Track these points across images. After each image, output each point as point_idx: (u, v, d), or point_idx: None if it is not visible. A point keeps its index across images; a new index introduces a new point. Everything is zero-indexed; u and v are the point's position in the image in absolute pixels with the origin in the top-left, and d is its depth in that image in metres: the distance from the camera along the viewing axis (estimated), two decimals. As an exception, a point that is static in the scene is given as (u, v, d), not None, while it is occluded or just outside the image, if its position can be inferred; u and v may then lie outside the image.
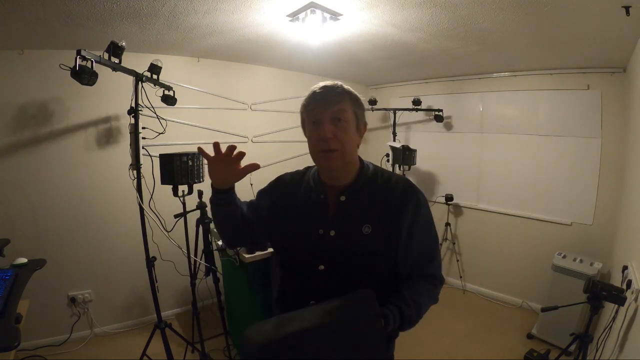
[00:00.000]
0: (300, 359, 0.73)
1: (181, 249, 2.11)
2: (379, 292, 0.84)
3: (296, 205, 0.99)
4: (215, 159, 0.93)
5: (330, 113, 0.88)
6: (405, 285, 0.92)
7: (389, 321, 0.81)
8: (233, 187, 1.02)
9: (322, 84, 0.92)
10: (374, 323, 0.78)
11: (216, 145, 0.91)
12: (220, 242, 2.25)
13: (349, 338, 0.76)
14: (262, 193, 1.11)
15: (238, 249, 2.03)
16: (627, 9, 1.49)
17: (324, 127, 0.88)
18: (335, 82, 0.92)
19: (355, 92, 0.94)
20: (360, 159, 0.99)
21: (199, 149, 0.96)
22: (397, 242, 0.91)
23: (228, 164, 0.93)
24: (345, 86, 0.92)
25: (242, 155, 0.93)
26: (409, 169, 3.30)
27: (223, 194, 1.01)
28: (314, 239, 0.93)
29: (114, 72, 1.78)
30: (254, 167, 0.95)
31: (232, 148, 0.91)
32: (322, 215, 0.94)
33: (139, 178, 1.91)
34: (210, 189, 1.01)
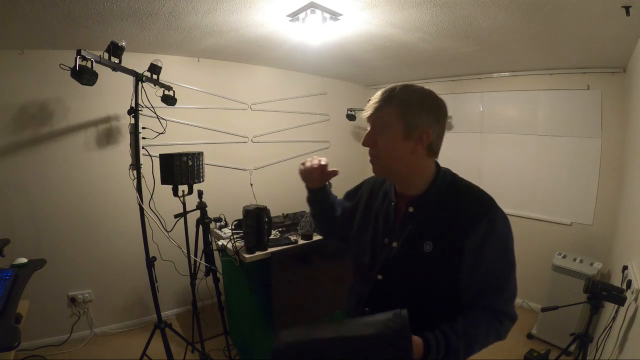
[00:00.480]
0: None
1: (181, 249, 2.11)
2: (435, 316, 0.80)
3: (372, 210, 1.00)
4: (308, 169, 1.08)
5: (372, 119, 0.86)
6: (464, 314, 0.81)
7: (430, 347, 0.75)
8: (325, 187, 1.14)
9: (384, 88, 0.87)
10: (400, 342, 0.70)
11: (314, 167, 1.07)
12: (220, 242, 2.25)
13: (372, 355, 0.71)
14: (347, 194, 1.16)
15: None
16: (627, 9, 1.49)
17: (367, 133, 0.87)
18: (395, 85, 0.86)
19: (412, 93, 0.84)
20: (438, 168, 0.90)
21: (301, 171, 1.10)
22: (459, 265, 0.81)
23: (316, 170, 1.07)
24: (401, 88, 0.85)
25: (324, 166, 1.07)
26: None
27: (315, 193, 1.14)
28: (378, 247, 0.93)
29: (114, 72, 1.78)
30: (334, 173, 1.08)
31: (323, 166, 1.06)
32: (389, 224, 0.92)
33: (139, 178, 1.91)
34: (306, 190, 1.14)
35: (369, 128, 0.88)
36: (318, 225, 1.24)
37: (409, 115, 0.82)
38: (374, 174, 0.95)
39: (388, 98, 0.84)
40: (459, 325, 0.79)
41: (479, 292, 0.82)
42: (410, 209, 0.89)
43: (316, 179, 1.09)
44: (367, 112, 0.86)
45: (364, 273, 0.97)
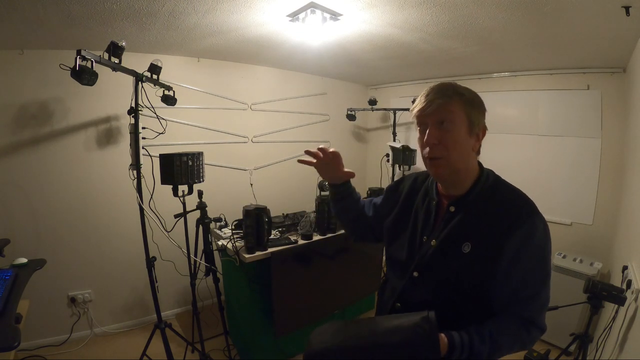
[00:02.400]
0: None
1: (181, 249, 2.11)
2: (466, 317, 0.82)
3: (412, 207, 0.99)
4: (317, 164, 1.08)
5: (435, 116, 0.82)
6: (494, 318, 0.82)
7: (454, 347, 0.76)
8: (348, 182, 1.14)
9: (434, 84, 0.86)
10: (428, 346, 0.73)
11: (307, 152, 1.08)
12: (220, 242, 2.25)
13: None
14: (388, 189, 1.15)
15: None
16: (627, 9, 1.49)
17: (429, 131, 0.83)
18: (449, 82, 0.86)
19: (472, 92, 0.85)
20: (481, 168, 0.91)
21: (300, 161, 1.09)
22: (495, 269, 0.80)
23: (328, 163, 1.09)
24: (459, 86, 0.85)
25: (334, 153, 1.08)
26: (409, 169, 3.30)
27: (337, 188, 1.14)
28: (416, 244, 0.93)
29: (114, 72, 1.78)
30: (351, 174, 1.13)
31: (323, 150, 1.07)
32: (429, 222, 0.92)
33: (139, 178, 1.91)
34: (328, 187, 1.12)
35: (425, 128, 0.84)
36: (344, 225, 1.21)
37: (471, 111, 0.83)
38: (437, 179, 0.92)
39: (451, 95, 0.82)
40: (485, 329, 0.79)
41: (512, 299, 0.81)
42: (452, 209, 0.89)
43: (335, 171, 1.11)
44: (429, 108, 0.82)
45: (400, 269, 0.97)
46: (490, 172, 0.91)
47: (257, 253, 2.01)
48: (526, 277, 0.80)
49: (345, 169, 1.13)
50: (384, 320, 0.81)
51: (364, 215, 1.16)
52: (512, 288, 0.81)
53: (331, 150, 1.07)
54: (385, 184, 3.39)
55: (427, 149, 0.84)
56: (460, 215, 0.87)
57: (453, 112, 0.81)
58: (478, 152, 0.88)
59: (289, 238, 2.23)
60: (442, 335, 0.77)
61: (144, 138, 1.97)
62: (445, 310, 0.82)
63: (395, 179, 3.50)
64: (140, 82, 1.92)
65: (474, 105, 0.84)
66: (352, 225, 1.19)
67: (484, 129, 0.86)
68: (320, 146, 1.08)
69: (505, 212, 0.83)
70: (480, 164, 0.91)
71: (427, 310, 0.78)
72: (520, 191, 0.88)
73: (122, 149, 2.48)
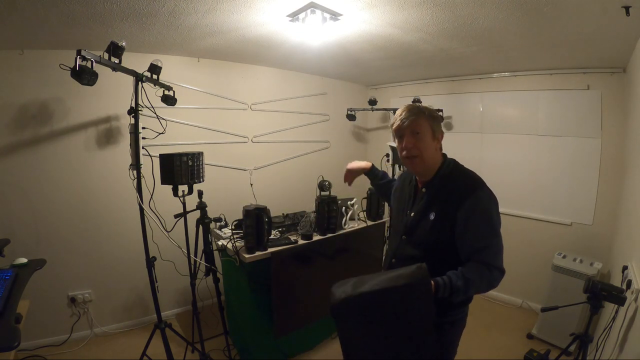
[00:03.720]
0: (368, 313, 1.01)
1: (181, 249, 2.11)
2: (443, 269, 1.07)
3: (402, 191, 1.39)
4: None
5: (409, 128, 1.18)
6: (463, 265, 1.10)
7: (439, 287, 1.02)
8: (370, 174, 1.69)
9: (405, 106, 1.22)
10: (423, 287, 0.99)
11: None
12: (220, 242, 2.25)
13: (405, 299, 0.99)
14: (399, 178, 1.52)
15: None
16: (627, 9, 1.49)
17: (406, 138, 1.19)
18: (415, 104, 1.23)
19: (431, 109, 1.23)
20: (444, 158, 1.25)
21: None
22: (453, 231, 1.12)
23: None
24: (423, 107, 1.23)
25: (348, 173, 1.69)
26: (409, 169, 3.31)
27: (368, 176, 1.71)
28: (403, 216, 1.31)
29: (114, 72, 1.78)
30: (362, 170, 1.70)
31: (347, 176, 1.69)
32: (410, 201, 1.30)
33: (139, 178, 1.91)
34: None
35: (402, 137, 1.21)
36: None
37: (433, 123, 1.20)
38: (412, 171, 1.28)
39: (418, 113, 1.18)
40: (458, 271, 1.07)
41: (471, 250, 1.11)
42: (423, 190, 1.25)
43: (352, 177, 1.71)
44: (405, 122, 1.18)
45: (395, 234, 1.36)
46: (452, 161, 1.25)
47: (257, 253, 2.01)
48: (477, 234, 1.10)
49: (360, 165, 1.69)
50: (390, 272, 1.05)
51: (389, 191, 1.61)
52: (469, 243, 1.11)
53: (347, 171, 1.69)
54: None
55: (405, 151, 1.19)
56: (427, 194, 1.23)
57: (421, 124, 1.18)
58: (441, 148, 1.25)
59: (289, 238, 2.23)
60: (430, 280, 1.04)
61: (144, 138, 1.97)
62: (426, 261, 1.07)
63: (395, 178, 3.51)
64: (140, 82, 1.92)
65: (434, 119, 1.21)
66: (382, 195, 1.72)
67: (441, 134, 1.24)
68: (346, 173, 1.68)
69: (457, 189, 1.15)
70: (444, 156, 1.26)
71: (419, 262, 1.04)
72: (471, 173, 1.22)
73: (122, 149, 2.48)
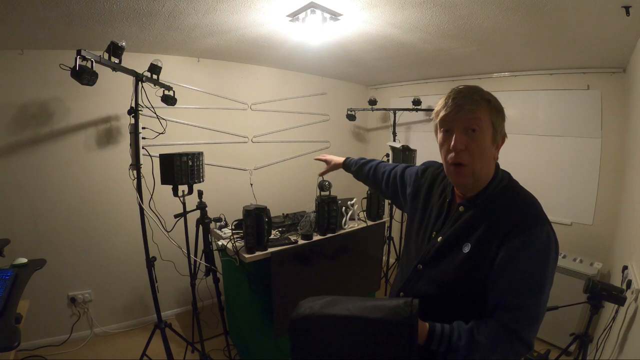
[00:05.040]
0: (329, 340, 0.81)
1: (181, 249, 2.11)
2: (458, 315, 0.82)
3: (428, 202, 1.02)
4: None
5: (463, 122, 0.82)
6: (479, 320, 0.80)
7: (433, 335, 0.79)
8: (343, 168, 1.54)
9: (459, 87, 0.85)
10: (404, 329, 0.76)
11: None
12: (220, 242, 2.25)
13: (378, 337, 0.77)
14: (414, 173, 1.16)
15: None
16: (627, 9, 1.49)
17: (455, 136, 0.82)
18: (475, 86, 0.85)
19: (497, 99, 0.85)
20: (497, 170, 0.90)
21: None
22: (488, 273, 0.80)
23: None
24: (486, 92, 0.85)
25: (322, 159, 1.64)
26: (409, 169, 3.30)
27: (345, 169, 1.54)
28: (426, 238, 0.96)
29: (114, 72, 1.78)
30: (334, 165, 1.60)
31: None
32: (439, 219, 0.95)
33: (139, 178, 1.91)
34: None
35: (449, 132, 0.84)
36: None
37: (496, 119, 0.84)
38: (456, 183, 0.91)
39: (479, 100, 0.82)
40: (467, 327, 0.79)
41: (498, 305, 0.79)
42: (461, 209, 0.90)
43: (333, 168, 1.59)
44: (458, 113, 0.81)
45: (410, 259, 1.01)
46: (506, 175, 0.91)
47: (257, 253, 2.01)
48: (514, 286, 0.78)
49: (333, 160, 1.59)
50: (372, 299, 0.84)
51: (379, 182, 1.34)
52: (498, 294, 0.79)
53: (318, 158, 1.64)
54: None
55: (452, 154, 0.83)
56: (466, 216, 0.88)
57: (481, 119, 0.81)
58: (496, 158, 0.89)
59: (289, 238, 2.23)
60: (424, 322, 0.81)
61: (144, 138, 1.97)
62: (440, 305, 0.86)
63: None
64: (140, 82, 1.92)
65: (499, 113, 0.85)
66: (371, 187, 1.45)
67: (503, 137, 0.87)
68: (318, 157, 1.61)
69: (508, 218, 0.81)
70: (497, 166, 0.91)
71: (412, 298, 0.80)
72: (531, 198, 0.86)
73: (122, 149, 2.48)
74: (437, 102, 0.89)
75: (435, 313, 0.83)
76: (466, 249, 0.84)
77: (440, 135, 0.88)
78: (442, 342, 0.78)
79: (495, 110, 0.84)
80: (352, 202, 2.59)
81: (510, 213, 0.82)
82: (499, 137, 0.85)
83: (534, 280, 0.77)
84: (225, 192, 3.02)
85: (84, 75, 1.59)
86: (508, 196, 0.86)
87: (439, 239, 0.91)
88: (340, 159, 1.52)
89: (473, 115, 0.81)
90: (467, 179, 0.85)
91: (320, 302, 0.85)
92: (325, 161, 1.59)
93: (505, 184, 0.88)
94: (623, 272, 1.75)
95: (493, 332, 0.77)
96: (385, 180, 1.29)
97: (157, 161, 2.00)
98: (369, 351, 0.78)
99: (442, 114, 0.85)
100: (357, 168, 1.43)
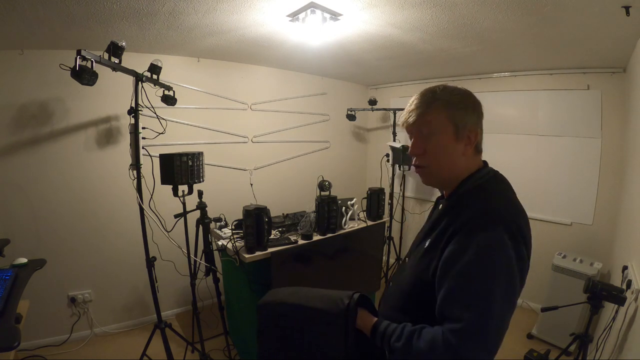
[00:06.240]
0: (282, 326, 0.93)
1: (181, 249, 2.11)
2: (422, 321, 0.76)
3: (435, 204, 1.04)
4: None
5: (416, 126, 0.82)
6: (425, 324, 0.75)
7: (376, 331, 0.80)
8: None
9: (417, 93, 0.84)
10: (338, 320, 0.82)
11: None
12: (220, 242, 2.25)
13: (316, 325, 0.86)
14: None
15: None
16: (627, 9, 1.49)
17: (412, 142, 0.84)
18: (431, 88, 0.83)
19: (452, 93, 0.81)
20: (483, 167, 0.86)
21: None
22: (434, 272, 0.76)
23: None
24: (441, 89, 0.82)
25: None
26: (409, 169, 3.31)
27: None
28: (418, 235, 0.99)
29: (114, 72, 1.78)
30: None
31: None
32: (429, 219, 0.96)
33: (139, 178, 1.91)
34: None
35: (410, 137, 0.86)
36: None
37: (456, 115, 0.80)
38: (425, 183, 0.91)
39: (431, 101, 0.81)
40: (409, 330, 0.75)
41: (441, 313, 0.72)
42: (440, 205, 0.93)
43: None
44: (410, 118, 0.82)
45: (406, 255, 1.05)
46: (486, 175, 0.84)
47: (257, 253, 2.01)
48: (451, 295, 0.71)
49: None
50: (328, 291, 0.92)
51: None
52: (440, 300, 0.73)
53: None
54: (386, 184, 3.39)
55: (414, 158, 0.86)
56: (438, 212, 0.88)
57: (431, 120, 0.80)
58: (479, 151, 0.85)
59: (289, 238, 2.22)
60: (372, 317, 0.84)
61: (144, 138, 1.97)
62: (409, 297, 0.85)
63: (395, 179, 3.50)
64: (140, 82, 1.92)
65: (457, 108, 0.80)
66: None
67: (474, 130, 0.82)
68: None
69: (459, 218, 0.76)
70: (484, 164, 0.88)
71: (355, 292, 0.86)
72: (493, 201, 0.79)
73: (122, 149, 2.48)
74: None
75: (406, 306, 0.85)
76: (426, 244, 0.83)
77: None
78: (384, 339, 0.78)
79: (452, 106, 0.80)
80: (352, 202, 2.59)
81: (464, 213, 0.77)
82: (465, 132, 0.80)
83: (473, 290, 0.69)
84: (225, 192, 3.02)
85: (84, 75, 1.59)
86: (474, 195, 0.81)
87: (421, 234, 0.93)
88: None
89: (424, 119, 0.81)
90: (429, 179, 0.87)
91: (284, 291, 0.97)
92: None
93: (481, 182, 0.82)
94: (623, 272, 1.75)
95: (433, 341, 0.69)
96: None
97: (157, 161, 2.00)
98: (311, 337, 0.87)
99: (400, 121, 0.88)
100: None
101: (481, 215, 0.75)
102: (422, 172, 0.86)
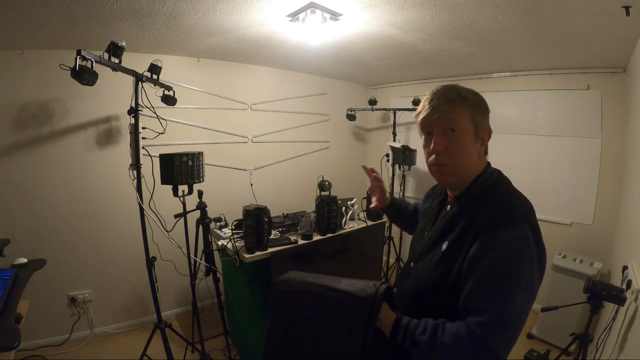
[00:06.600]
0: (303, 301, 0.89)
1: (181, 249, 2.11)
2: (437, 312, 0.80)
3: (431, 204, 1.06)
4: (373, 184, 1.31)
5: (440, 123, 0.81)
6: (448, 319, 0.78)
7: (398, 327, 0.80)
8: (390, 206, 1.30)
9: (437, 88, 0.84)
10: (366, 309, 0.80)
11: (364, 167, 1.33)
12: (220, 242, 2.25)
13: (340, 307, 0.83)
14: (425, 194, 1.20)
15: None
16: (627, 9, 1.49)
17: (435, 139, 0.82)
18: (452, 85, 0.84)
19: (475, 95, 0.84)
20: (487, 168, 0.89)
21: (364, 167, 1.37)
22: (459, 273, 0.78)
23: (378, 186, 1.30)
24: (463, 89, 0.83)
25: (378, 178, 1.30)
26: (409, 169, 3.31)
27: (385, 211, 1.34)
28: (420, 237, 0.99)
29: (114, 72, 1.78)
30: (386, 202, 1.30)
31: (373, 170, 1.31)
32: (432, 219, 0.97)
33: (139, 178, 1.91)
34: None
35: (430, 135, 0.84)
36: (410, 233, 1.35)
37: (476, 115, 0.82)
38: (441, 182, 0.94)
39: (455, 98, 0.81)
40: (433, 324, 0.77)
41: (466, 308, 0.75)
42: (448, 207, 0.92)
43: (378, 195, 1.30)
44: (435, 115, 0.81)
45: (409, 258, 1.04)
46: (494, 173, 0.88)
47: (257, 253, 2.01)
48: (478, 288, 0.74)
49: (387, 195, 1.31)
50: (350, 278, 0.90)
51: (417, 221, 1.24)
52: (466, 295, 0.75)
53: (375, 174, 1.31)
54: (386, 184, 3.38)
55: (433, 156, 0.84)
56: (450, 214, 0.88)
57: (458, 119, 0.80)
58: (486, 153, 0.89)
59: (289, 238, 2.23)
60: (392, 313, 0.83)
61: (144, 138, 1.97)
62: (419, 302, 0.87)
63: (395, 179, 3.50)
64: (140, 82, 1.92)
65: (479, 109, 0.83)
66: (411, 230, 1.31)
67: (488, 132, 0.87)
68: (371, 168, 1.32)
69: (482, 216, 0.79)
70: (488, 165, 0.91)
71: (383, 282, 0.85)
72: (511, 198, 0.83)
73: (122, 149, 2.48)
74: None
75: (414, 310, 0.84)
76: (444, 246, 0.84)
77: (422, 137, 0.88)
78: (407, 334, 0.78)
79: (475, 107, 0.83)
80: (352, 202, 2.59)
81: (485, 212, 0.79)
82: (482, 133, 0.84)
83: (500, 283, 0.72)
84: (225, 192, 3.02)
85: (84, 75, 1.59)
86: (488, 194, 0.84)
87: (428, 236, 0.93)
88: (388, 197, 1.31)
89: (450, 116, 0.80)
90: (449, 177, 0.86)
91: (304, 274, 0.95)
92: (380, 186, 1.30)
93: (491, 181, 0.86)
94: (623, 272, 1.75)
95: (457, 334, 0.73)
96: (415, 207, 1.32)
97: (157, 161, 1.99)
98: (332, 320, 0.83)
99: (421, 117, 0.85)
100: (406, 215, 1.31)
101: (503, 212, 0.78)
102: (442, 170, 0.84)
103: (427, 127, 0.84)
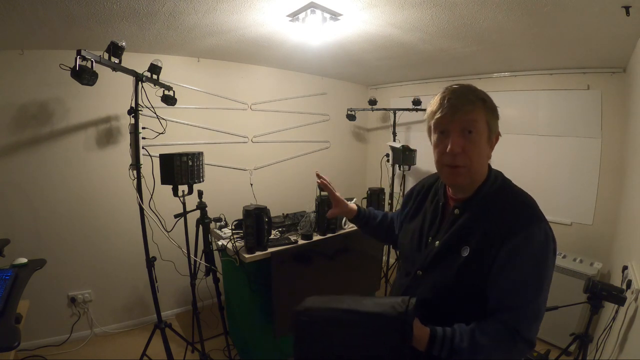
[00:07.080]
0: (328, 331, 0.82)
1: (181, 249, 2.11)
2: (460, 318, 0.81)
3: (422, 208, 1.02)
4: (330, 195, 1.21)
5: (460, 123, 0.80)
6: (481, 321, 0.79)
7: (435, 340, 0.77)
8: (358, 214, 1.24)
9: (453, 86, 0.83)
10: (396, 324, 0.76)
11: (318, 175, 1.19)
12: (220, 242, 2.25)
13: (370, 330, 0.78)
14: (404, 197, 1.17)
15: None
16: (627, 9, 1.49)
17: (452, 139, 0.80)
18: (469, 85, 0.84)
19: (491, 99, 0.84)
20: (490, 170, 0.90)
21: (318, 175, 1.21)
22: (487, 275, 0.79)
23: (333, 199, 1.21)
24: (480, 92, 0.83)
25: (319, 177, 1.18)
26: (409, 169, 3.30)
27: (353, 221, 1.27)
28: (423, 244, 0.95)
29: (114, 72, 1.78)
30: (352, 210, 1.23)
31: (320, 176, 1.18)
32: (435, 223, 0.94)
33: (139, 178, 1.91)
34: None
35: (445, 134, 0.82)
36: (380, 242, 1.33)
37: (491, 119, 0.83)
38: (451, 184, 0.90)
39: (473, 99, 0.80)
40: (468, 329, 0.78)
41: (499, 305, 0.79)
42: (457, 211, 0.89)
43: (339, 208, 1.22)
44: (455, 115, 0.79)
45: (408, 267, 0.99)
46: (499, 175, 0.90)
47: (257, 253, 2.01)
48: (513, 286, 0.77)
49: (348, 204, 1.23)
50: (373, 297, 0.87)
51: (392, 229, 1.22)
52: (499, 295, 0.79)
53: (322, 179, 1.19)
54: (386, 184, 3.39)
55: (449, 157, 0.82)
56: (463, 218, 0.87)
57: (477, 120, 0.80)
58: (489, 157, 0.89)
59: (289, 238, 2.23)
60: (425, 327, 0.80)
61: (144, 138, 1.97)
62: (441, 310, 0.85)
63: (395, 179, 3.50)
64: (140, 82, 1.93)
65: (494, 113, 0.84)
66: (383, 240, 1.33)
67: (497, 136, 0.88)
68: (317, 173, 1.21)
69: (505, 219, 0.81)
70: (489, 166, 0.91)
71: (411, 297, 0.80)
72: (526, 197, 0.86)
73: (122, 149, 2.48)
74: None
75: (436, 318, 0.83)
76: (465, 252, 0.82)
77: (435, 136, 0.86)
78: (445, 345, 0.77)
79: (491, 110, 0.83)
80: (352, 202, 2.59)
81: (507, 214, 0.81)
82: (493, 137, 0.86)
83: (533, 279, 0.78)
84: (225, 192, 3.02)
85: (84, 75, 1.59)
86: (503, 197, 0.85)
87: (437, 243, 0.90)
88: (354, 206, 1.25)
89: (470, 117, 0.80)
90: (463, 180, 0.84)
91: (323, 299, 0.87)
92: (333, 196, 1.22)
93: (499, 184, 0.88)
94: (623, 272, 1.75)
95: (495, 333, 0.77)
96: (394, 219, 1.25)
97: (157, 161, 2.00)
98: (364, 344, 0.78)
99: (437, 115, 0.82)
100: (375, 223, 1.27)
101: (525, 212, 0.82)
102: (457, 171, 0.82)
103: (443, 126, 0.82)
